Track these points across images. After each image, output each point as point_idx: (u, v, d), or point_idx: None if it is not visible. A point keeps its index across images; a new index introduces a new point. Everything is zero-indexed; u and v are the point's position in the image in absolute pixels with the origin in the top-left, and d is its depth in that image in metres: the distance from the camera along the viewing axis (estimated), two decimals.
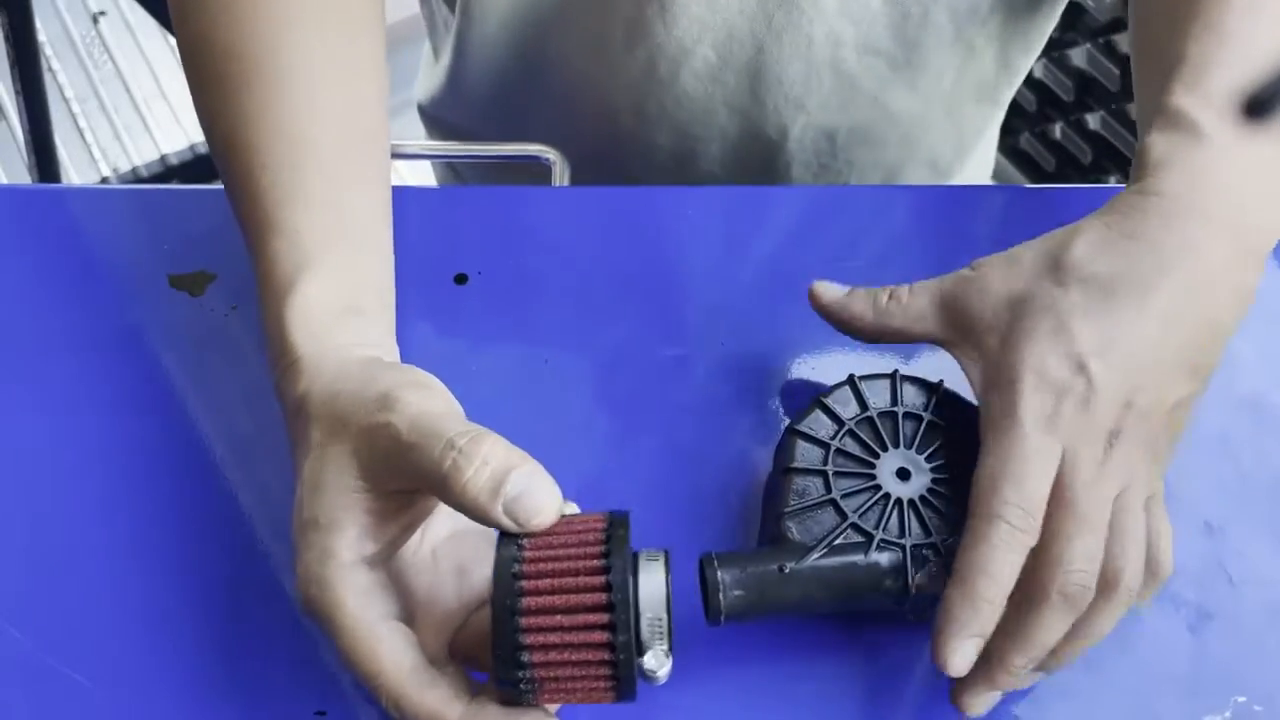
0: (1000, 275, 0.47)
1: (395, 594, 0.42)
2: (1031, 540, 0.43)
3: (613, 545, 0.39)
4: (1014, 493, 0.43)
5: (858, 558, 0.45)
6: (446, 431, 0.39)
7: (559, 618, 0.38)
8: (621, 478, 0.53)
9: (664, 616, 0.38)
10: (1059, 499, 0.43)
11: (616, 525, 0.40)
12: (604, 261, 0.60)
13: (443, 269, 0.60)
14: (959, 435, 0.49)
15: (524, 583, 0.38)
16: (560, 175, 0.67)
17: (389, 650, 0.40)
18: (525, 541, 0.40)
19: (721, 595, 0.44)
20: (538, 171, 0.71)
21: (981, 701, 0.45)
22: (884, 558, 0.46)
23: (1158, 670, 0.48)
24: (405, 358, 0.58)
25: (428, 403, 0.41)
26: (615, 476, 0.53)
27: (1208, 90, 0.48)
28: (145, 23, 1.91)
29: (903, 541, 0.46)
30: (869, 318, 0.50)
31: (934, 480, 0.48)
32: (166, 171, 1.83)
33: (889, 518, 0.46)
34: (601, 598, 0.38)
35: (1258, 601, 0.50)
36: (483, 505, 0.39)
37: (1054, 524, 0.43)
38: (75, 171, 1.85)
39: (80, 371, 0.56)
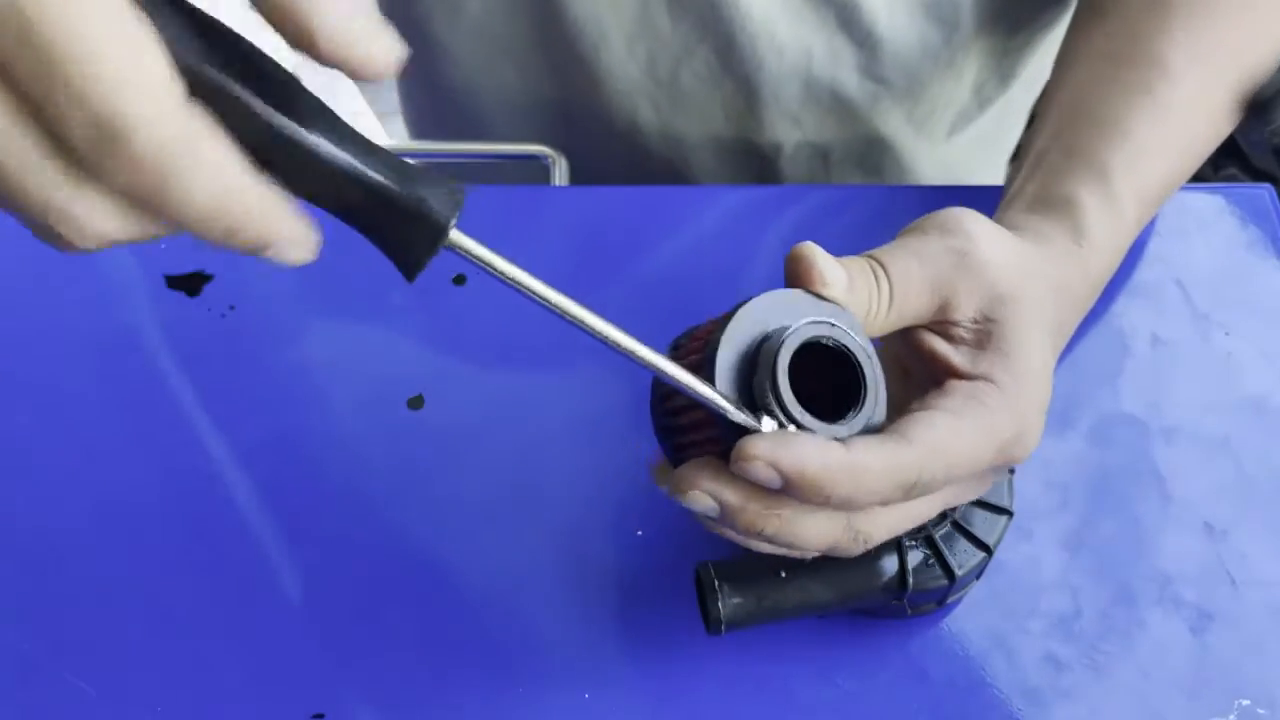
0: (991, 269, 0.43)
1: None
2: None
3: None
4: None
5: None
6: None
7: None
8: (622, 478, 0.53)
9: None
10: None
11: None
12: (604, 261, 0.60)
13: (442, 269, 0.59)
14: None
15: None
16: (559, 175, 0.67)
17: (153, 48, 0.27)
18: None
19: (721, 604, 0.44)
20: (539, 171, 0.70)
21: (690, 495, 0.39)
22: (880, 552, 0.45)
23: (1160, 673, 0.48)
24: (404, 357, 0.58)
25: None
26: (616, 476, 0.53)
27: (1142, 176, 0.49)
28: None
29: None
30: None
31: None
32: None
33: None
34: None
35: (1260, 603, 0.50)
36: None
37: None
38: None
39: (77, 372, 0.56)
